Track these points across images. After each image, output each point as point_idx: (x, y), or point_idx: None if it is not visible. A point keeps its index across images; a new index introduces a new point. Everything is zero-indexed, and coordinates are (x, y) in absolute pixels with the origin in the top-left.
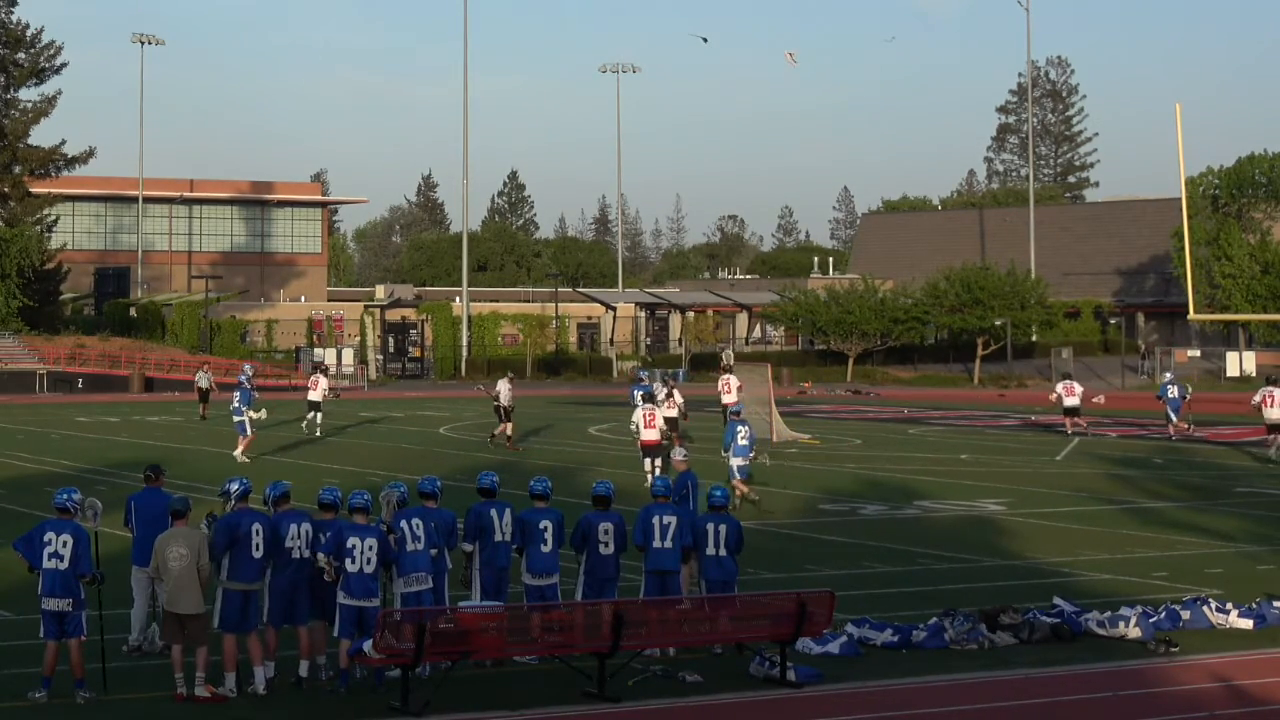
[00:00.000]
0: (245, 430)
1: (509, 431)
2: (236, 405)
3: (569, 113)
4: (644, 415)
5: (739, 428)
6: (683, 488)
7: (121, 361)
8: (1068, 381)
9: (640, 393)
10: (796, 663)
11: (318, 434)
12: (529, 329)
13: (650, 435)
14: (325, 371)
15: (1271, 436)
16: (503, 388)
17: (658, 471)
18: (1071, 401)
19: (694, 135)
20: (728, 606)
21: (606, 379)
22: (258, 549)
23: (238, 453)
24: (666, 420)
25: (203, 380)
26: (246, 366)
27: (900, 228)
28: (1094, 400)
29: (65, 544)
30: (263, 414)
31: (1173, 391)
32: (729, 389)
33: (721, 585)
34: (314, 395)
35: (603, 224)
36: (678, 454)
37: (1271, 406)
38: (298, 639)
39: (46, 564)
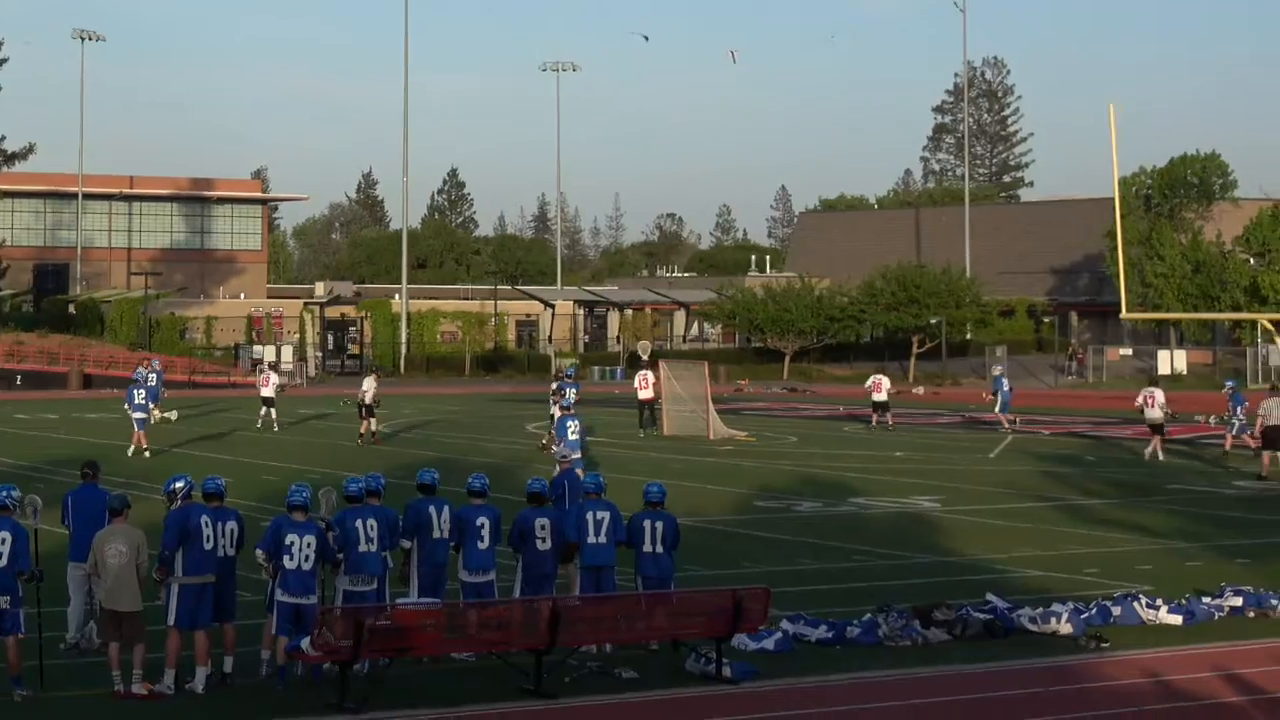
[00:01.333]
0: (144, 426)
1: (373, 428)
2: (140, 402)
3: (509, 111)
4: (639, 378)
5: (570, 422)
6: (560, 487)
7: (60, 358)
8: (878, 378)
9: (568, 389)
10: (732, 659)
11: (275, 430)
12: (468, 326)
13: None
14: (275, 368)
15: (1154, 438)
16: (368, 385)
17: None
18: (879, 397)
19: (633, 134)
20: (664, 603)
21: (545, 376)
22: (209, 541)
23: (133, 450)
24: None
25: (151, 378)
26: (155, 362)
27: (837, 226)
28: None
29: (4, 541)
30: (173, 415)
31: (1006, 385)
32: (645, 384)
33: (658, 582)
34: (266, 392)
35: (542, 222)
36: (559, 452)
37: (1153, 407)
38: (224, 637)
39: None
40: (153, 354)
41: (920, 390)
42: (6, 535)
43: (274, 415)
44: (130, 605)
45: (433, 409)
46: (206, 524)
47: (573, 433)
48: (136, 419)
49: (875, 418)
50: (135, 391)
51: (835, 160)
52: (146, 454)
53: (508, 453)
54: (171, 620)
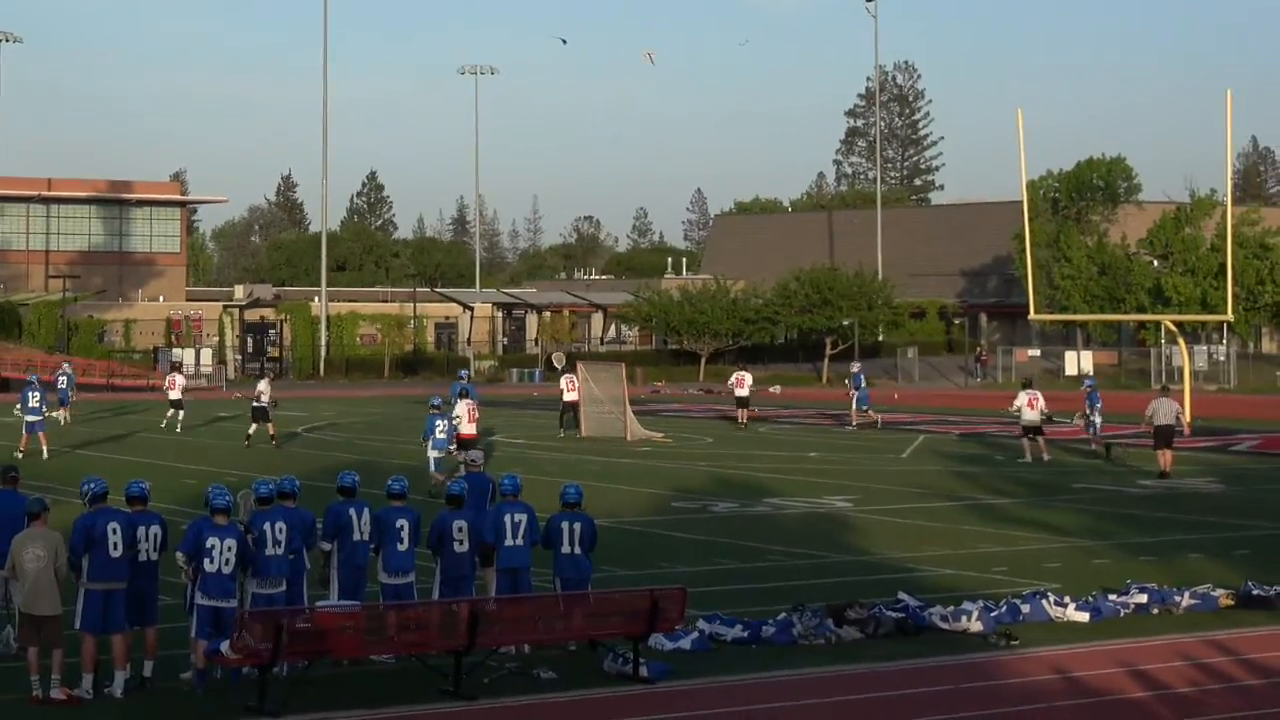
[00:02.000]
0: (40, 429)
1: (271, 432)
2: (35, 405)
3: (428, 114)
4: (466, 409)
5: (438, 420)
6: (483, 489)
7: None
8: (740, 374)
9: (459, 390)
10: (649, 659)
11: (178, 431)
12: (387, 329)
13: (469, 429)
14: (181, 370)
15: (1028, 439)
16: (263, 387)
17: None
18: (741, 393)
19: (551, 137)
20: (581, 604)
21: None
22: (115, 548)
23: (23, 452)
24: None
25: (62, 380)
26: (66, 365)
27: (752, 229)
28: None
29: None
30: (64, 416)
31: (864, 381)
32: (572, 386)
33: (576, 583)
34: (174, 394)
35: (461, 225)
36: (473, 455)
37: (1033, 409)
38: (144, 640)
39: None
40: (68, 356)
41: (777, 389)
42: None
43: (180, 417)
44: (48, 609)
45: (352, 411)
46: (114, 530)
47: (440, 431)
48: (29, 421)
49: (741, 414)
50: (30, 394)
51: (750, 164)
52: (45, 455)
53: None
54: (78, 625)
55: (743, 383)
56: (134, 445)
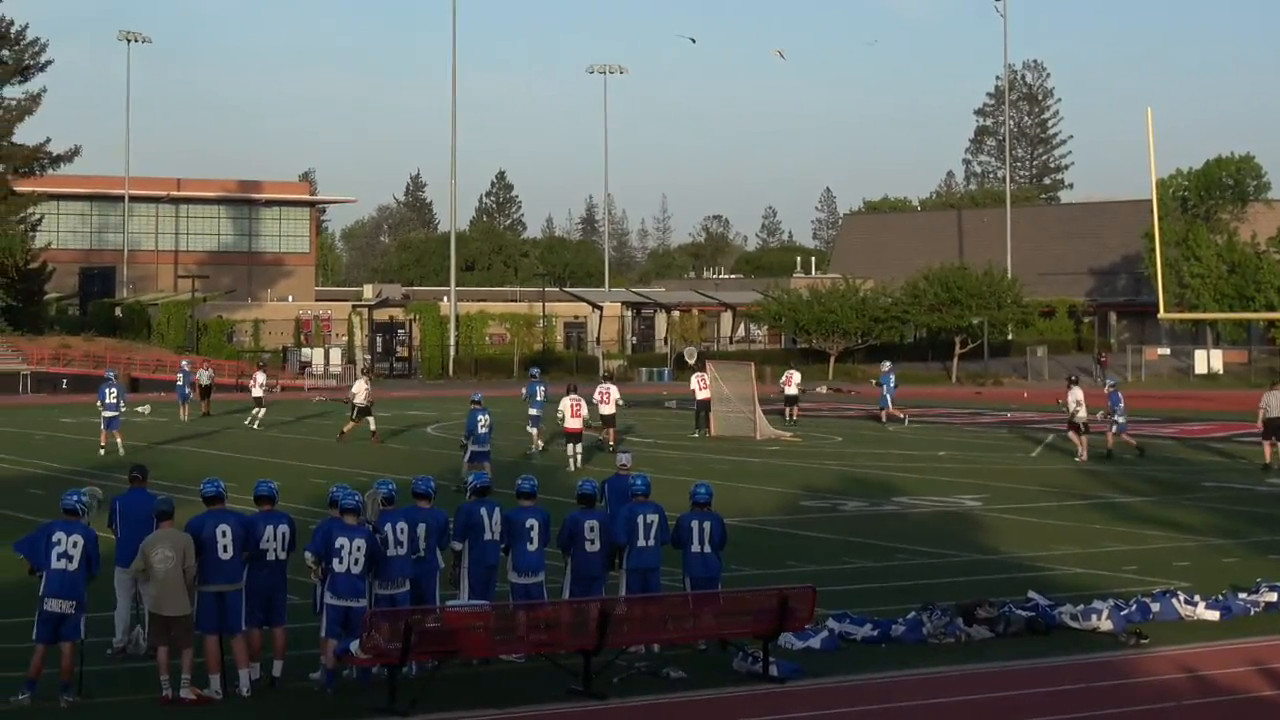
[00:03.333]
0: (115, 426)
1: (371, 427)
2: (112, 401)
3: (556, 113)
4: (570, 405)
5: (480, 416)
6: (618, 490)
7: (106, 362)
8: (790, 373)
9: (540, 389)
10: (778, 658)
11: (255, 428)
12: (516, 328)
13: (574, 424)
14: (264, 368)
15: (1076, 435)
16: (359, 388)
17: (578, 459)
18: (791, 391)
19: (680, 136)
20: (711, 603)
21: (593, 378)
22: (225, 550)
23: (119, 442)
24: (605, 417)
25: (204, 377)
26: (184, 363)
27: (881, 228)
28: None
29: (76, 545)
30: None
31: (892, 382)
32: (704, 385)
33: (706, 582)
34: (256, 391)
35: (589, 224)
36: (623, 458)
37: (1083, 407)
38: (273, 640)
39: (55, 564)
40: (196, 356)
41: (822, 389)
42: (79, 539)
43: (260, 414)
44: (177, 610)
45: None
46: (224, 533)
47: (482, 426)
48: (106, 417)
49: (788, 410)
50: (106, 391)
51: (879, 163)
52: (121, 452)
53: (557, 454)
54: (196, 626)
55: (791, 381)
56: (262, 445)
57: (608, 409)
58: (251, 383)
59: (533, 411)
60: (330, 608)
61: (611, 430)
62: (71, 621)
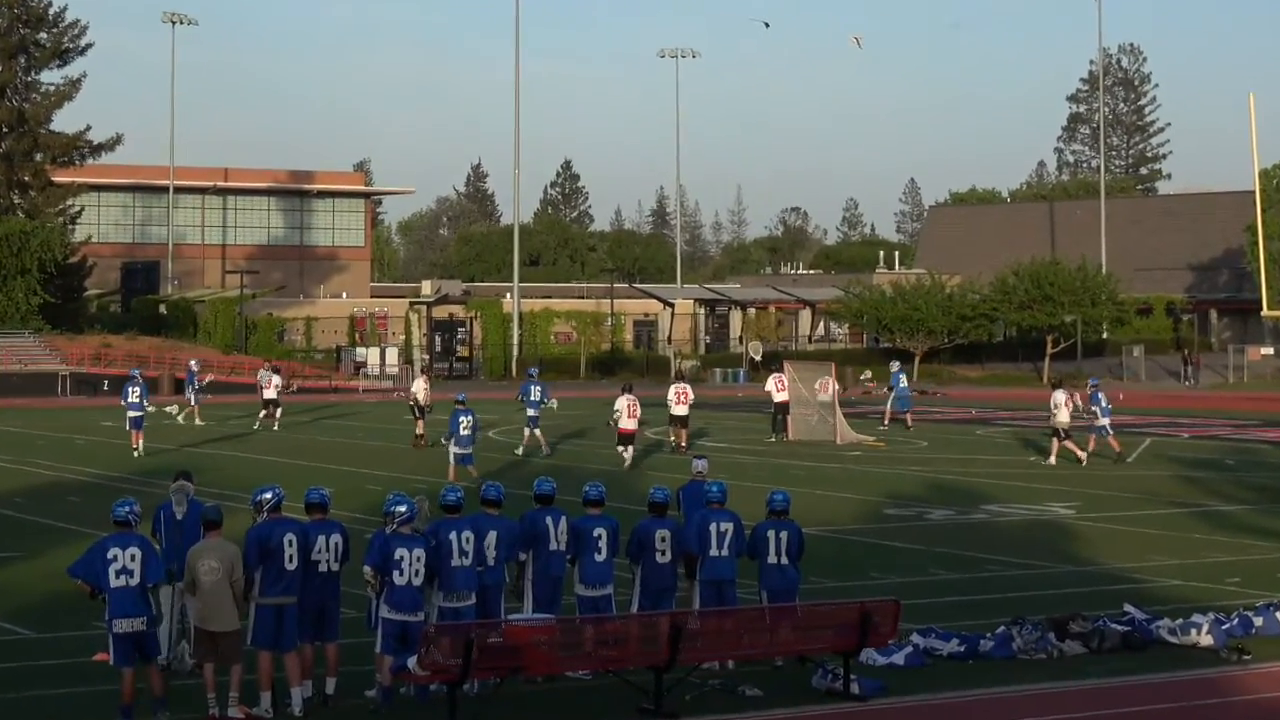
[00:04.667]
0: (139, 426)
1: (419, 431)
2: (135, 400)
3: (626, 100)
4: (626, 405)
5: (462, 417)
6: (693, 497)
7: (150, 362)
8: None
9: (536, 389)
10: (860, 675)
11: (275, 428)
12: (583, 327)
13: (629, 424)
14: (277, 370)
15: (1058, 440)
16: (419, 387)
17: (629, 459)
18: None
19: (755, 124)
20: (788, 617)
21: (664, 379)
22: (291, 560)
23: (140, 444)
24: (677, 418)
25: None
26: (193, 363)
27: (968, 221)
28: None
29: (134, 558)
30: (180, 413)
31: (903, 381)
32: (782, 386)
33: (783, 594)
34: (269, 393)
35: (660, 217)
36: (698, 465)
37: (1068, 410)
38: (325, 656)
39: (115, 582)
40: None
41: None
42: (136, 551)
43: (277, 414)
44: (225, 624)
45: (546, 414)
46: (290, 542)
47: (464, 428)
48: (131, 417)
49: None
50: (130, 389)
51: (966, 152)
52: (140, 453)
53: (568, 455)
54: (249, 641)
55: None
56: (313, 449)
57: (681, 409)
58: (265, 383)
59: (531, 413)
60: (387, 622)
61: (684, 432)
62: (149, 639)
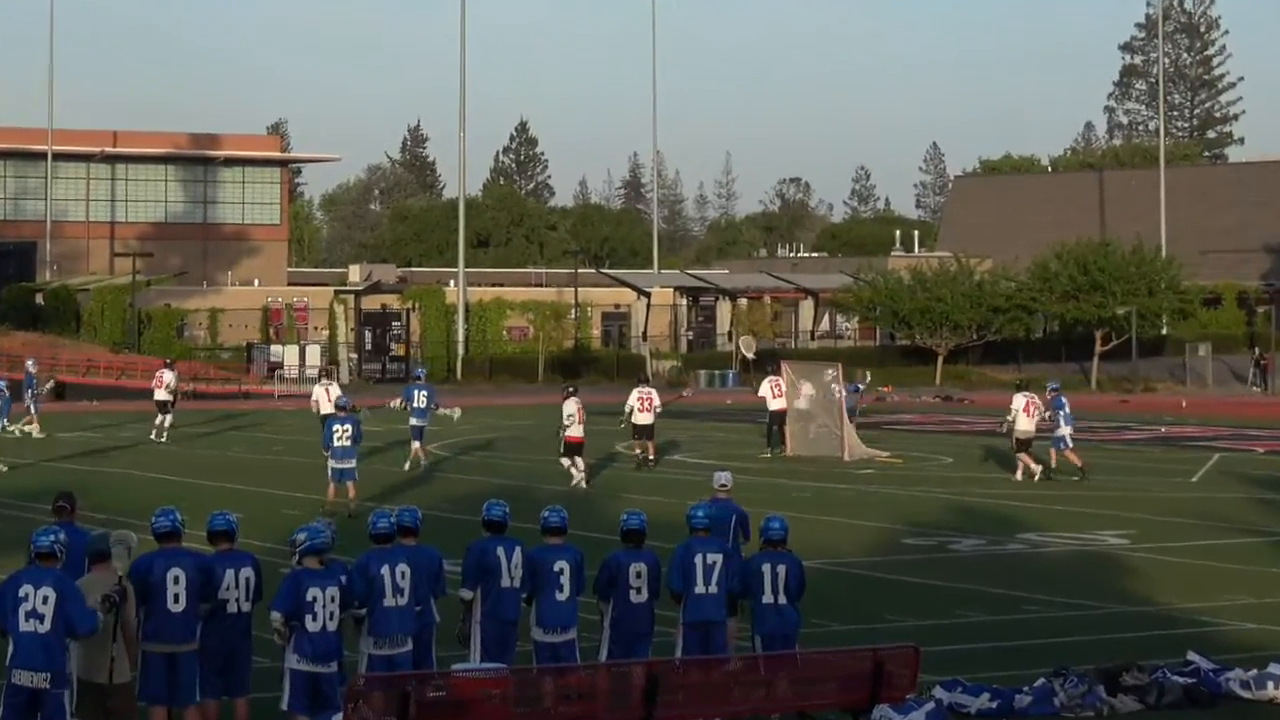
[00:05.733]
0: None
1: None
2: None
3: (592, 50)
4: (578, 409)
5: (337, 425)
6: (724, 522)
7: (24, 361)
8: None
9: (420, 392)
10: None
11: (163, 440)
12: (541, 320)
13: (646, 419)
14: (172, 366)
15: (1022, 454)
16: (319, 394)
17: (579, 476)
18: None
19: (748, 80)
20: (788, 666)
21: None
22: (177, 600)
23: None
24: (641, 428)
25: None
26: (30, 364)
27: (1001, 194)
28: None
29: (45, 600)
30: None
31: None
32: (779, 391)
33: (781, 640)
34: (160, 394)
35: (634, 189)
36: (720, 478)
37: (1031, 417)
38: (234, 713)
39: (23, 626)
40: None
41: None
42: (50, 592)
43: (166, 424)
44: (114, 675)
45: (498, 424)
46: (176, 579)
47: (340, 438)
48: None
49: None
50: None
51: (998, 113)
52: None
53: (595, 479)
54: (139, 694)
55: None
56: (219, 467)
57: (646, 417)
58: (156, 382)
59: (415, 422)
60: (295, 674)
61: (651, 444)
62: (51, 700)
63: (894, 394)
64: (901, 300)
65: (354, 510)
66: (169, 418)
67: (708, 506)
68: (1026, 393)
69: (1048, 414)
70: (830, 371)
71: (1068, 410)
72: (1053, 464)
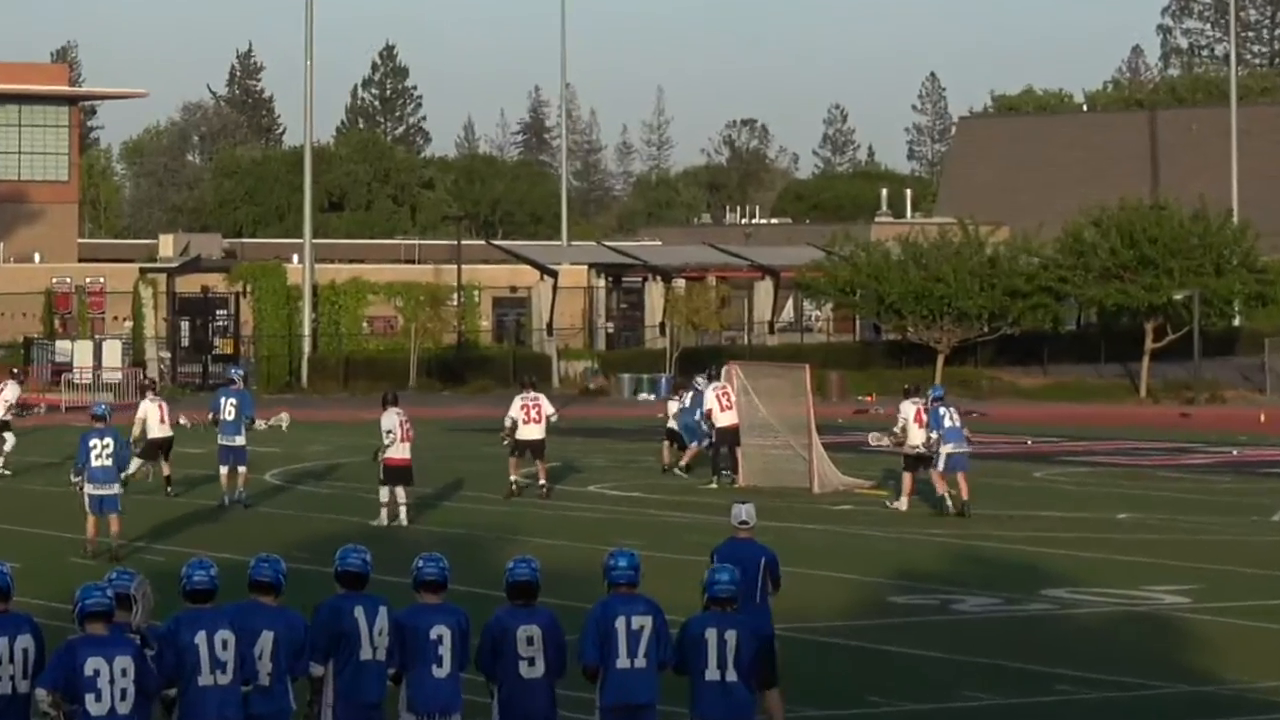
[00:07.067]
0: None
1: (165, 470)
2: None
3: None
4: (399, 423)
5: (94, 439)
6: (753, 570)
7: None
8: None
9: (228, 400)
10: None
11: (6, 473)
12: (414, 307)
13: (533, 433)
14: (15, 375)
15: (910, 473)
16: (148, 411)
17: (403, 513)
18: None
19: None
20: None
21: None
22: None
23: None
24: (528, 444)
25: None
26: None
27: (1020, 140)
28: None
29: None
30: None
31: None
32: (728, 403)
33: None
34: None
35: (536, 135)
36: (740, 513)
37: (922, 427)
38: None
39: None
40: None
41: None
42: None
43: (6, 448)
44: None
45: (356, 444)
46: None
47: (98, 457)
48: None
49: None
50: None
51: (1016, 35)
52: None
53: (479, 516)
54: None
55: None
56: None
57: (534, 431)
58: None
59: (226, 441)
60: None
61: (543, 465)
62: None
63: (878, 403)
64: (889, 281)
65: (118, 552)
66: (7, 442)
67: (628, 555)
68: (917, 399)
69: (933, 435)
70: (795, 375)
71: (951, 423)
72: (964, 494)
